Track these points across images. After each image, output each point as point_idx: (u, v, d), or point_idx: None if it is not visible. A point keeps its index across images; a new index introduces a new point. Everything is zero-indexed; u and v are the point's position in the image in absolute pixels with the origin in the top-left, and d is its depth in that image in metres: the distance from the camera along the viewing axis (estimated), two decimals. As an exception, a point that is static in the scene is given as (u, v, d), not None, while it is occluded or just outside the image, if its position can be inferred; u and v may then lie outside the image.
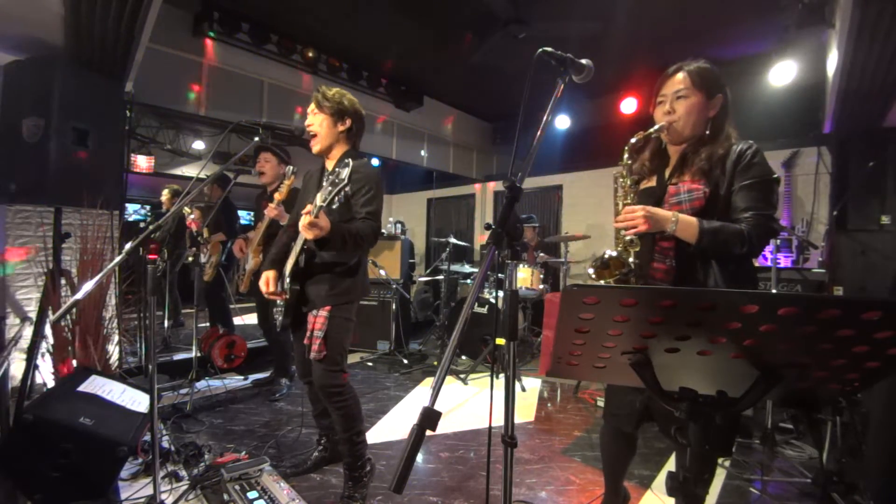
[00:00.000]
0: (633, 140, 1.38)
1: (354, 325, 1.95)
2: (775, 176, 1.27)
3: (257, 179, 3.20)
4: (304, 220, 1.55)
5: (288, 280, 1.87)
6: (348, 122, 1.91)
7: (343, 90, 1.93)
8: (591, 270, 1.38)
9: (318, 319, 1.83)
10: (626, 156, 1.41)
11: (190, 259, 3.45)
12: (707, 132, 1.35)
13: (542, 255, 4.69)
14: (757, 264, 3.19)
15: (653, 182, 1.44)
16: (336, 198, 1.55)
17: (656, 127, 1.36)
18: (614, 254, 1.33)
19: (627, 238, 1.31)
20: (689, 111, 1.33)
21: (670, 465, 2.30)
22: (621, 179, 1.41)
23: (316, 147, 1.92)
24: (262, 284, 1.91)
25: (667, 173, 1.41)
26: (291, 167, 2.60)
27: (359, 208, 1.80)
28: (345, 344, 1.91)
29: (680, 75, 1.35)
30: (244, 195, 5.12)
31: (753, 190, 1.24)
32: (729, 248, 1.21)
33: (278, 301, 1.96)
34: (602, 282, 1.35)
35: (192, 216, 3.38)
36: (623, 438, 1.57)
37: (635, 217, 1.24)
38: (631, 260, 1.34)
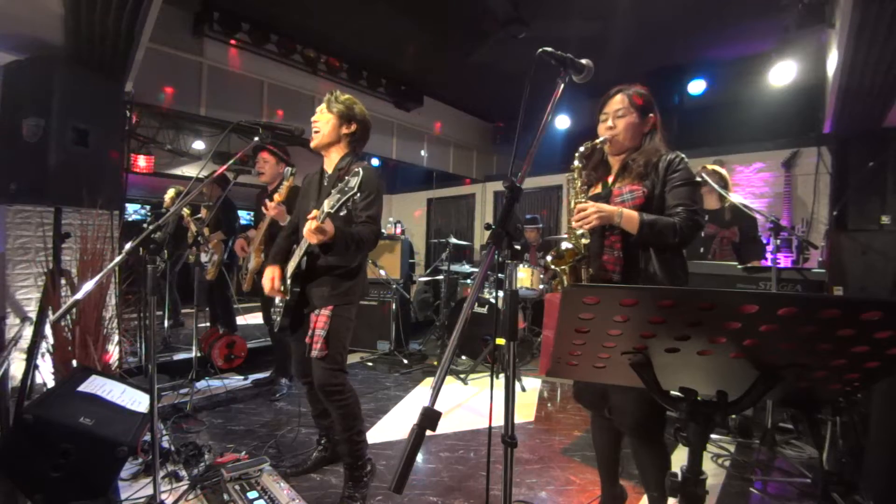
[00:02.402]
0: (581, 148, 1.58)
1: (354, 325, 1.96)
2: (697, 179, 1.56)
3: (257, 179, 3.20)
4: (309, 226, 1.56)
5: (289, 282, 1.87)
6: (353, 127, 1.93)
7: (355, 98, 1.96)
8: (549, 258, 1.58)
9: (320, 318, 1.84)
10: (576, 161, 1.58)
11: (191, 259, 3.45)
12: (642, 145, 1.58)
13: (544, 265, 4.65)
14: (757, 264, 3.19)
15: (599, 189, 1.64)
16: (344, 206, 1.56)
17: (601, 139, 1.57)
18: (570, 246, 1.53)
19: (579, 233, 1.50)
20: (626, 127, 1.55)
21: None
22: (575, 182, 1.58)
23: (315, 142, 1.93)
24: (265, 281, 1.92)
25: (610, 180, 1.63)
26: (290, 168, 2.61)
27: (359, 212, 1.81)
28: (345, 343, 1.91)
29: (619, 97, 1.57)
30: (244, 195, 5.12)
31: (682, 188, 1.47)
32: (664, 237, 1.42)
33: (277, 301, 1.97)
34: (557, 269, 1.54)
35: (197, 216, 3.39)
36: (606, 424, 1.67)
37: (588, 214, 1.43)
38: (584, 251, 1.53)
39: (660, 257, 1.46)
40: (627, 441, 1.61)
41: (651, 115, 1.59)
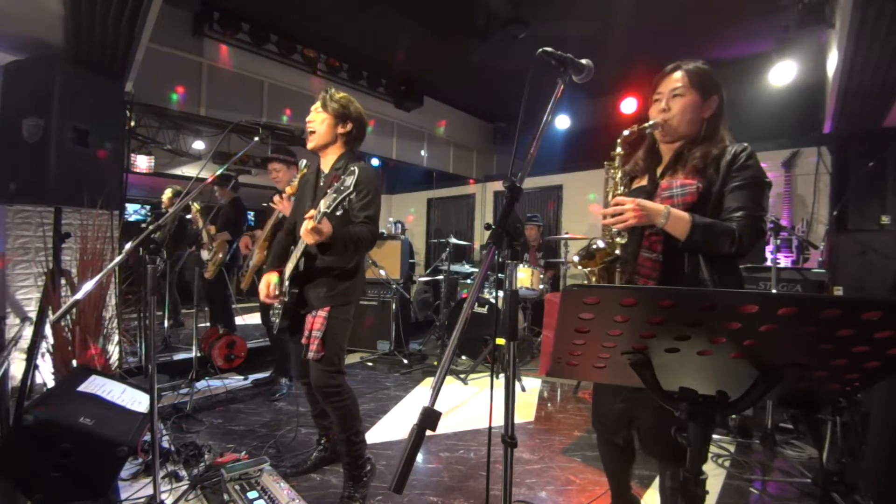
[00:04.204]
0: (625, 132, 1.38)
1: (352, 325, 1.96)
2: (767, 180, 1.27)
3: (258, 179, 3.20)
4: (306, 226, 1.55)
5: (287, 283, 1.87)
6: (349, 126, 1.91)
7: (351, 97, 1.94)
8: (576, 258, 1.39)
9: (316, 320, 1.83)
10: (618, 148, 1.39)
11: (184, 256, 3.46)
12: (701, 133, 1.35)
13: (544, 265, 4.63)
14: (757, 264, 3.19)
15: (644, 181, 1.43)
16: (340, 205, 1.55)
17: (651, 122, 1.36)
18: (602, 245, 1.33)
19: (614, 231, 1.30)
20: (684, 109, 1.33)
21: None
22: (615, 171, 1.39)
23: (311, 143, 1.92)
24: (261, 287, 1.91)
25: (659, 171, 1.40)
26: (304, 161, 2.58)
27: (357, 212, 1.80)
28: (342, 344, 1.91)
29: (677, 74, 1.35)
30: (245, 195, 5.13)
31: (746, 191, 1.24)
32: (718, 246, 1.21)
33: (276, 303, 1.97)
34: (586, 270, 1.36)
35: (193, 213, 3.40)
36: (615, 445, 1.54)
37: (625, 210, 1.23)
38: (618, 252, 1.33)
39: (710, 267, 1.24)
40: (657, 465, 1.43)
41: (715, 95, 1.34)
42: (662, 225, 1.22)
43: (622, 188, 1.38)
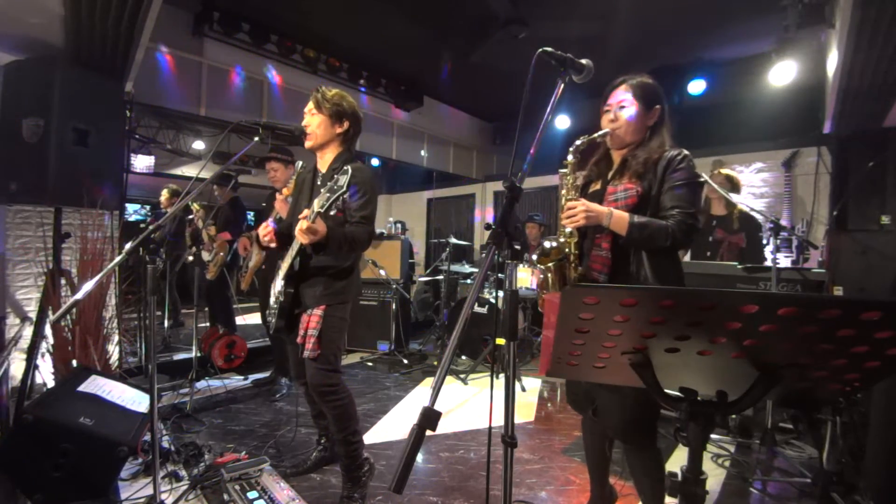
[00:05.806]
0: (577, 142, 1.52)
1: (348, 325, 1.96)
2: (700, 180, 1.47)
3: (257, 179, 3.20)
4: (300, 226, 1.56)
5: (282, 283, 1.87)
6: (346, 125, 1.91)
7: (343, 92, 1.93)
8: (534, 257, 1.56)
9: (312, 318, 1.83)
10: (570, 157, 1.53)
11: (190, 259, 3.46)
12: (645, 139, 1.51)
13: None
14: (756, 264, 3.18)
15: (599, 185, 1.58)
16: (334, 205, 1.56)
17: (601, 132, 1.51)
18: (554, 244, 1.49)
19: (567, 230, 1.46)
20: (629, 120, 1.49)
21: (670, 464, 2.30)
22: (567, 178, 1.53)
23: (309, 143, 1.92)
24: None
25: (609, 176, 1.56)
26: (301, 162, 2.60)
27: (353, 212, 1.80)
28: (339, 343, 1.90)
29: (622, 87, 1.51)
30: (245, 195, 5.13)
31: (679, 191, 1.40)
32: (654, 242, 1.37)
33: (272, 302, 1.96)
34: (542, 267, 1.52)
35: (196, 213, 3.40)
36: (594, 425, 1.66)
37: (576, 212, 1.39)
38: (568, 250, 1.49)
39: (652, 261, 1.41)
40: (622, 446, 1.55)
41: (657, 106, 1.51)
42: (607, 225, 1.39)
43: (573, 193, 1.52)
